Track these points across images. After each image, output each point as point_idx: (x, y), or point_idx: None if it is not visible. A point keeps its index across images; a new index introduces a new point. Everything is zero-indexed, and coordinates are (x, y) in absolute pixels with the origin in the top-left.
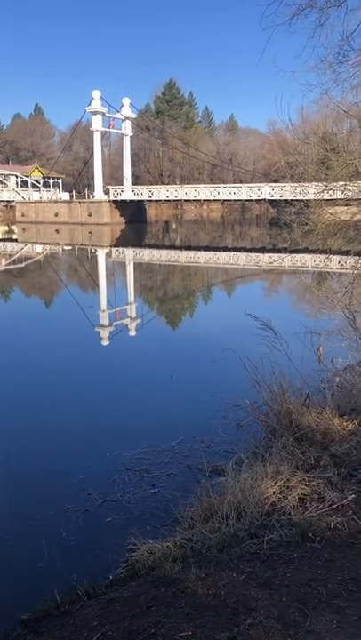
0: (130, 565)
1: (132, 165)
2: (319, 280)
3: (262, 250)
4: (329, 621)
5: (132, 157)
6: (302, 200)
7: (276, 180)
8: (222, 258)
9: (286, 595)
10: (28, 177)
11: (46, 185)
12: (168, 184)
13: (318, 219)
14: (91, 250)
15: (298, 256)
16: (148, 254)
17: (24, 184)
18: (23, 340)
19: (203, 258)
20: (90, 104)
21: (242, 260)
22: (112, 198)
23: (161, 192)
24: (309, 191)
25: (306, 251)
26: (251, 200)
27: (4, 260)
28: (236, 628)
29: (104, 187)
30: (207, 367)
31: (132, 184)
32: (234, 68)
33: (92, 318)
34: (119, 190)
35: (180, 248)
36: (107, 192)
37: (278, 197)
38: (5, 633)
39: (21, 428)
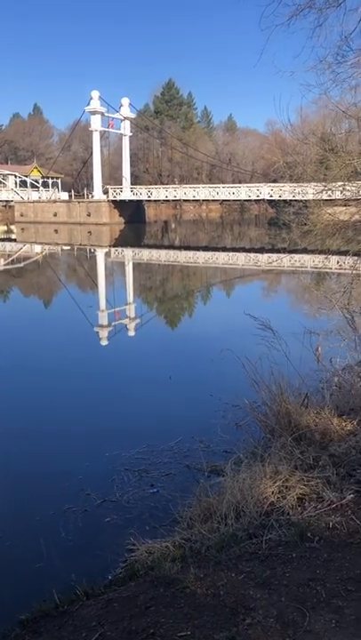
0: (129, 565)
1: (131, 165)
2: (318, 280)
3: (261, 250)
4: (328, 621)
5: (131, 157)
6: (301, 200)
7: (275, 181)
8: (221, 258)
9: (285, 594)
10: (26, 177)
11: (45, 185)
12: (167, 184)
13: (317, 219)
14: (90, 250)
15: (297, 256)
16: (147, 254)
17: (23, 184)
18: (22, 340)
19: (202, 258)
20: (89, 104)
21: (241, 260)
22: (111, 198)
23: (160, 192)
24: (308, 191)
25: (305, 251)
26: (250, 200)
27: (2, 260)
28: (235, 627)
29: (103, 187)
30: (206, 367)
31: (131, 184)
32: (233, 69)
33: (91, 318)
34: (118, 190)
35: (180, 248)
36: (106, 192)
37: (277, 197)
38: (4, 633)
39: (21, 428)
